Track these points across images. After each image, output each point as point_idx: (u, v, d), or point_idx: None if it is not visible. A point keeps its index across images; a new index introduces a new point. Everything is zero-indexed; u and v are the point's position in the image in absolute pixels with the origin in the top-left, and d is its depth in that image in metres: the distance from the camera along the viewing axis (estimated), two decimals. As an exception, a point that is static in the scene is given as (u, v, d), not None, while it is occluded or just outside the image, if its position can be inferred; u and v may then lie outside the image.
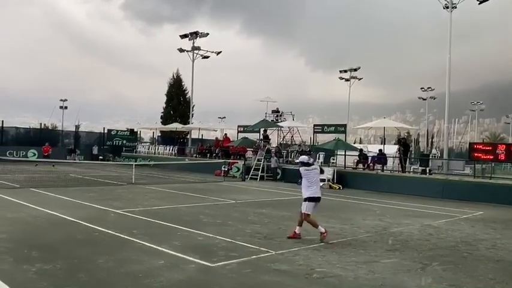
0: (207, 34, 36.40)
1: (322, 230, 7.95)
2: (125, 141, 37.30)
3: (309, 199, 8.01)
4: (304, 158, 8.42)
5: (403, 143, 22.97)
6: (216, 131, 38.44)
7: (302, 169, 8.13)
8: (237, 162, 25.01)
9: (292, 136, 33.02)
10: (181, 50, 36.76)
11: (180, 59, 44.35)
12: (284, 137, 32.55)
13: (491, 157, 18.76)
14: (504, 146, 18.88)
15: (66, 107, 51.55)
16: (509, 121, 79.76)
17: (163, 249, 7.02)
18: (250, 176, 23.30)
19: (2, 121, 33.31)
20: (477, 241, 8.94)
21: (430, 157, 27.85)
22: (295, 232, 8.08)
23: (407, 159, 23.14)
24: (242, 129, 32.87)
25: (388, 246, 7.99)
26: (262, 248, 7.36)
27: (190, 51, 36.53)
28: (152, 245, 7.28)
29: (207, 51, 37.03)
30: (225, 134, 33.03)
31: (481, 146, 20.04)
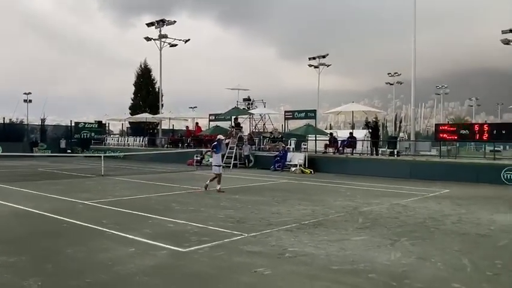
0: (174, 22, 35.77)
1: None
2: (93, 134, 36.53)
3: None
4: None
5: (374, 126, 23.36)
6: (187, 120, 38.04)
7: None
8: (210, 151, 24.82)
9: (264, 124, 33.07)
10: (148, 39, 36.01)
11: (152, 50, 43.56)
12: (256, 124, 32.53)
13: (456, 137, 19.40)
14: (467, 127, 19.51)
15: (30, 101, 49.95)
16: (472, 104, 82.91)
17: (134, 237, 6.91)
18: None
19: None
20: (444, 217, 9.23)
21: (398, 140, 28.49)
22: None
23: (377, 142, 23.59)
24: (214, 117, 32.61)
25: (358, 225, 8.13)
26: (234, 232, 7.35)
27: (157, 39, 35.83)
28: (122, 234, 7.15)
29: (175, 39, 36.40)
30: (196, 122, 32.75)
31: (446, 127, 20.65)
